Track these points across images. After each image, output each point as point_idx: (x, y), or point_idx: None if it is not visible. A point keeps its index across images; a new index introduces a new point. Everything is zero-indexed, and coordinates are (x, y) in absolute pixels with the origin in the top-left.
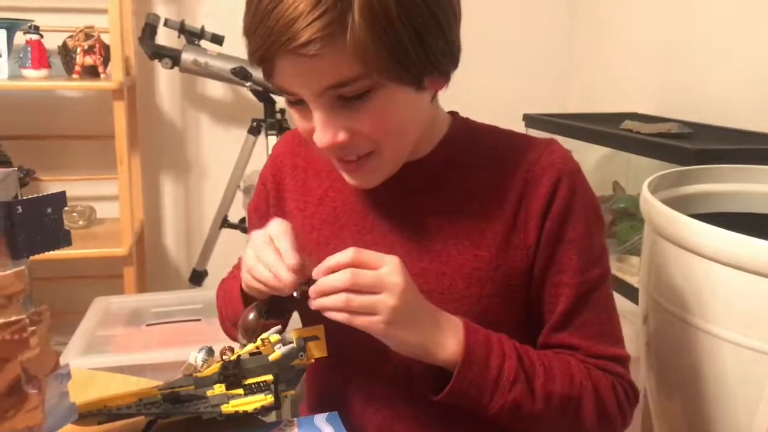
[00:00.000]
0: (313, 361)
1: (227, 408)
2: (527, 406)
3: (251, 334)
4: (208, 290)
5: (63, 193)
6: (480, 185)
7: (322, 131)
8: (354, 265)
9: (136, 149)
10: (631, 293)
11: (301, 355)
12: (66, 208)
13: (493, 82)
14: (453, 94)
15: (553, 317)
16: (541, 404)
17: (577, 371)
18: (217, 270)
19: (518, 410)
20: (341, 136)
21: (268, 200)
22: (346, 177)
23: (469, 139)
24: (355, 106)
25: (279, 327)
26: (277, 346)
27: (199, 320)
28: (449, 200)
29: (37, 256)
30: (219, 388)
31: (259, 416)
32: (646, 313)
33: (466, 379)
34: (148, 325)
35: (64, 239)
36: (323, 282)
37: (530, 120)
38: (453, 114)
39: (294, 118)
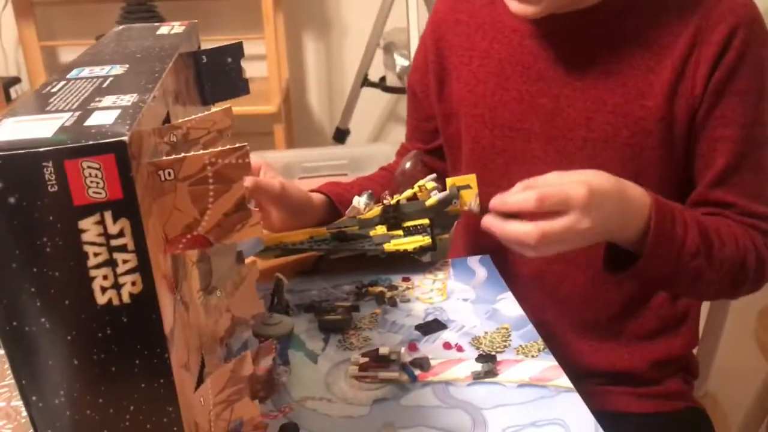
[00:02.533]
0: (466, 208)
1: (389, 246)
2: (705, 274)
3: (408, 180)
4: (352, 147)
5: (240, 43)
6: (653, 34)
7: None
8: (539, 209)
9: (280, 8)
10: None
11: (455, 202)
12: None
13: None
14: None
15: (711, 171)
16: (716, 270)
17: (740, 234)
18: (359, 128)
19: (697, 279)
20: None
21: (426, 57)
22: (513, 3)
23: None
24: None
25: (434, 175)
26: (433, 192)
27: (345, 174)
28: (619, 50)
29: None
30: (381, 229)
31: (416, 256)
32: None
33: (654, 255)
34: (300, 178)
35: (243, 87)
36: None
37: None
38: None
39: None
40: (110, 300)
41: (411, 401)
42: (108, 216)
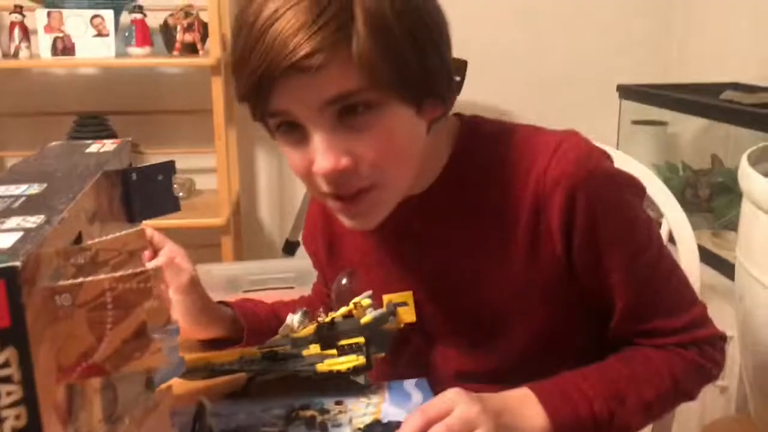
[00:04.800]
0: (402, 325)
1: (322, 367)
2: (633, 422)
3: (345, 297)
4: (301, 260)
5: (172, 162)
6: (492, 205)
7: (324, 155)
8: (429, 424)
9: (232, 123)
10: (727, 269)
11: (392, 319)
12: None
13: (585, 50)
14: (543, 63)
15: (617, 313)
16: (642, 414)
17: (660, 362)
18: None
19: (626, 427)
20: (344, 161)
21: (316, 223)
22: (344, 219)
23: (473, 156)
24: (358, 126)
25: (370, 292)
26: (369, 310)
27: (292, 288)
28: (466, 229)
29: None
30: (314, 348)
31: (351, 377)
32: (743, 291)
33: None
34: (244, 291)
35: (174, 205)
36: None
37: (624, 91)
38: (460, 121)
39: (289, 155)
40: None
41: None
42: None
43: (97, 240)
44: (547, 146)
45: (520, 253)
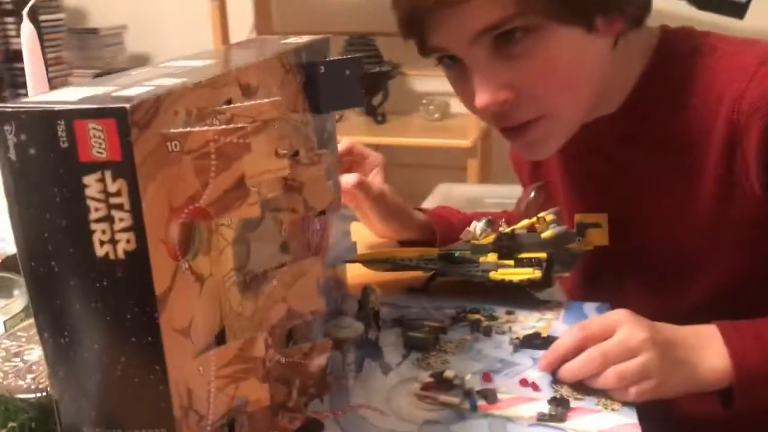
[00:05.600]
0: (591, 247)
1: (495, 275)
2: None
3: (531, 212)
4: None
5: (359, 58)
6: (679, 135)
7: (481, 89)
8: (586, 341)
9: None
10: None
11: (579, 240)
12: (423, 101)
13: None
14: None
15: None
16: None
17: None
18: None
19: None
20: (502, 95)
21: None
22: (518, 149)
23: (662, 78)
24: (516, 55)
25: (557, 208)
26: (552, 225)
27: None
28: (652, 160)
29: (392, 142)
30: (492, 257)
31: (531, 290)
32: None
33: (749, 392)
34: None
35: (358, 99)
36: (571, 367)
37: None
38: (660, 35)
39: (454, 89)
40: (107, 254)
41: (461, 429)
42: (108, 175)
43: (233, 105)
44: (745, 68)
45: (710, 189)
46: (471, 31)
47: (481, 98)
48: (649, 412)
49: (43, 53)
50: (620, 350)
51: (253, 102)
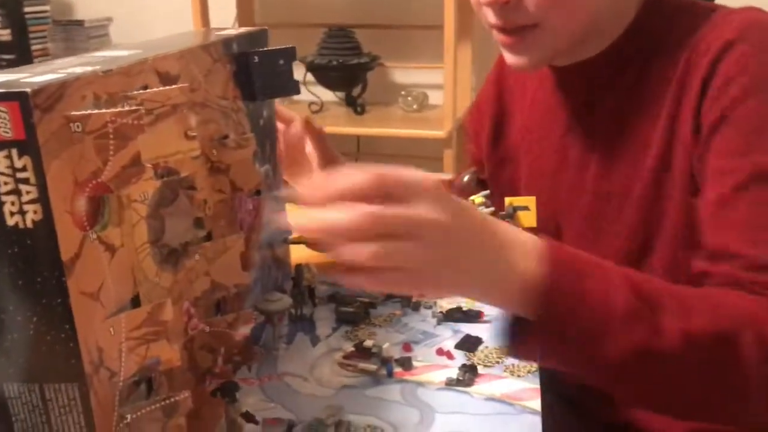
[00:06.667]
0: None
1: None
2: (656, 351)
3: (463, 195)
4: None
5: (293, 48)
6: (652, 80)
7: None
8: (369, 193)
9: (466, 39)
10: None
11: (507, 222)
12: (402, 93)
13: None
14: None
15: (704, 212)
16: (677, 347)
17: (729, 299)
18: None
19: (643, 360)
20: None
21: (488, 98)
22: (506, 54)
23: (645, 29)
24: None
25: (487, 192)
26: (481, 208)
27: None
28: (626, 101)
29: (370, 132)
30: None
31: None
32: None
33: (556, 312)
34: None
35: (293, 87)
36: (324, 218)
37: None
38: None
39: None
40: (17, 223)
41: (375, 393)
42: (14, 152)
43: (142, 91)
44: (723, 14)
45: (661, 134)
46: None
47: None
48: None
49: (29, 45)
50: (401, 224)
51: (161, 88)
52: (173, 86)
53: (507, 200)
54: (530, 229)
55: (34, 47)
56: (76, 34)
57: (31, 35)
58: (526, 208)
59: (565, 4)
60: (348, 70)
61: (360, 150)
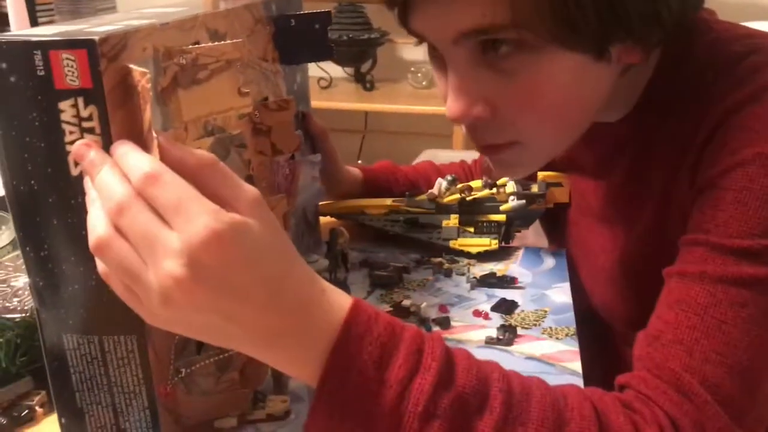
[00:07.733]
0: (552, 205)
1: (454, 244)
2: None
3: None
4: None
5: (329, 12)
6: (664, 141)
7: (455, 95)
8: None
9: None
10: None
11: (539, 201)
12: (412, 69)
13: None
14: None
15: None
16: None
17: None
18: None
19: None
20: (477, 110)
21: None
22: (488, 162)
23: (667, 88)
24: (501, 69)
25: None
26: (511, 198)
27: None
28: (632, 165)
29: (379, 108)
30: (454, 219)
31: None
32: None
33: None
34: None
35: (327, 52)
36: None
37: None
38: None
39: (435, 74)
40: (81, 173)
41: None
42: (80, 101)
43: (198, 45)
44: (738, 89)
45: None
46: (456, 28)
47: (453, 108)
48: None
49: (35, 18)
50: (138, 251)
51: (217, 43)
52: (228, 42)
53: (540, 175)
54: (561, 204)
55: (40, 20)
56: (83, 7)
57: (38, 8)
58: (559, 184)
59: (552, 117)
60: (357, 46)
61: (368, 127)
